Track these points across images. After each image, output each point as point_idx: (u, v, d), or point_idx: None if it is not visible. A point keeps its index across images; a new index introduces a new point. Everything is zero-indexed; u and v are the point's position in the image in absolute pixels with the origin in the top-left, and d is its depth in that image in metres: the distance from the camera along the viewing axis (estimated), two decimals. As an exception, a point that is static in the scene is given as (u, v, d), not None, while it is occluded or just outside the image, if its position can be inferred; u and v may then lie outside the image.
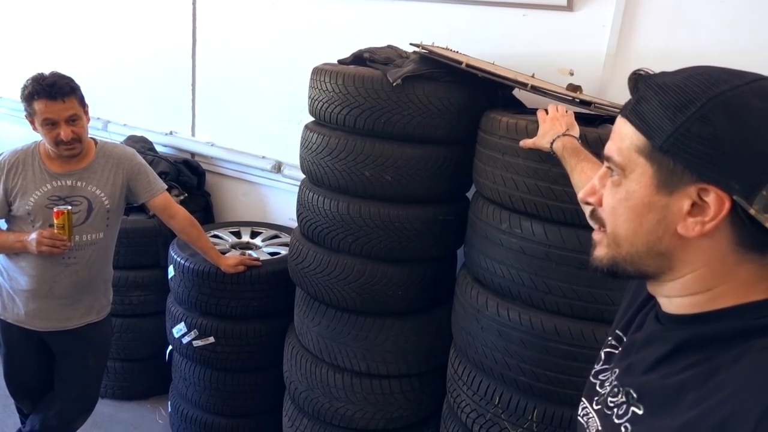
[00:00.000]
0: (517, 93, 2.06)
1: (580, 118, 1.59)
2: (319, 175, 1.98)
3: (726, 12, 1.85)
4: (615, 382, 0.77)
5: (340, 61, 2.05)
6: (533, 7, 2.17)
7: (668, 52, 1.92)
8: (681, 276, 0.69)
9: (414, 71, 1.76)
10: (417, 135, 1.84)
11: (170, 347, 2.67)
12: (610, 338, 0.88)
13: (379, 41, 2.17)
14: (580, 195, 0.76)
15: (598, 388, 0.82)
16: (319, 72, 1.95)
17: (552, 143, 1.44)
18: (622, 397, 0.73)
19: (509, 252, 1.63)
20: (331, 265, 1.99)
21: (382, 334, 2.01)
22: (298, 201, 2.15)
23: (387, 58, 1.97)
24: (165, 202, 2.17)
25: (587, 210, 0.78)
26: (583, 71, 2.10)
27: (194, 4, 3.12)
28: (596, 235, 0.75)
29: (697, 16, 1.90)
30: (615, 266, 0.72)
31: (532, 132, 1.56)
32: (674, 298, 0.71)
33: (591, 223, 0.76)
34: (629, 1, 2.00)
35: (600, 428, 0.75)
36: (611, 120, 1.71)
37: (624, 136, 0.68)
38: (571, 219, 1.54)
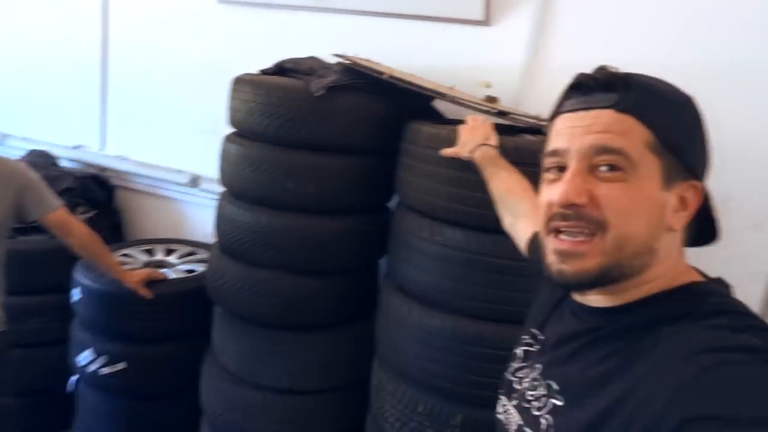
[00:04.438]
0: (438, 104, 2.11)
1: (498, 128, 1.64)
2: (239, 188, 1.93)
3: (637, 27, 1.98)
4: (536, 377, 0.77)
5: (263, 72, 2.02)
6: (452, 21, 2.24)
7: (583, 65, 2.03)
8: (645, 272, 0.68)
9: (337, 81, 1.76)
10: (340, 145, 1.84)
11: (75, 377, 2.47)
12: (525, 336, 0.89)
13: (301, 53, 2.16)
14: (560, 196, 0.66)
15: (515, 385, 0.82)
16: (240, 82, 1.91)
17: (472, 152, 1.46)
18: (542, 390, 0.73)
19: (431, 259, 1.65)
20: (252, 281, 1.93)
21: (305, 348, 1.97)
22: (217, 215, 2.08)
23: (310, 69, 1.96)
24: (61, 220, 2.01)
25: (557, 213, 0.68)
26: (501, 84, 2.19)
27: (105, 4, 2.96)
28: (581, 246, 0.66)
29: (609, 31, 2.03)
30: (604, 275, 0.66)
31: (453, 141, 1.59)
32: (610, 294, 0.70)
33: (560, 227, 0.68)
34: (544, 17, 2.11)
35: (521, 422, 0.75)
36: (528, 130, 1.80)
37: (628, 131, 0.65)
38: (490, 225, 1.57)
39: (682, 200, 0.68)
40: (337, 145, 1.84)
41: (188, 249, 2.67)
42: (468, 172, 1.58)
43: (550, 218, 0.69)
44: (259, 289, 1.91)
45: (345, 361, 2.04)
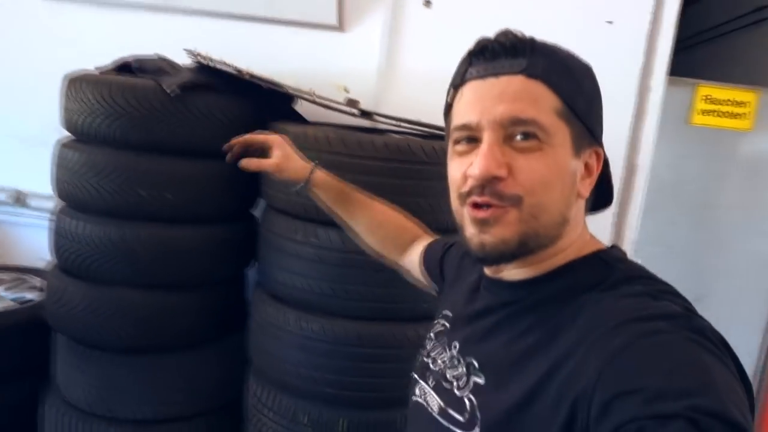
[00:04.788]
0: (299, 108, 2.07)
1: (362, 130, 1.65)
2: (82, 199, 1.71)
3: (484, 33, 2.12)
4: (455, 355, 0.75)
5: (101, 71, 1.82)
6: (305, 25, 2.22)
7: (432, 71, 2.14)
8: (558, 242, 0.68)
9: (193, 81, 1.65)
10: (199, 149, 1.71)
11: None
12: (438, 320, 0.87)
13: (145, 53, 1.99)
14: (480, 169, 0.63)
15: (431, 366, 0.80)
16: (77, 82, 1.70)
17: (306, 172, 1.16)
18: (462, 369, 0.72)
19: (306, 262, 1.60)
20: (102, 302, 1.72)
21: (169, 372, 1.79)
22: (54, 232, 1.82)
23: (158, 69, 1.80)
24: None
25: (475, 186, 0.65)
26: (358, 88, 2.21)
27: None
28: (497, 211, 0.65)
29: (458, 37, 2.13)
30: (523, 245, 0.66)
31: (321, 141, 1.56)
32: (524, 267, 0.70)
33: (478, 201, 0.66)
34: (395, 23, 2.17)
35: (442, 404, 0.72)
36: (394, 132, 1.83)
37: (539, 98, 0.64)
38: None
39: (587, 167, 0.69)
40: (195, 149, 1.71)
41: (15, 276, 2.31)
42: (341, 170, 1.57)
43: (468, 192, 0.66)
44: (111, 310, 1.70)
45: (215, 382, 1.90)
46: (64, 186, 1.75)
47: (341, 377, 1.60)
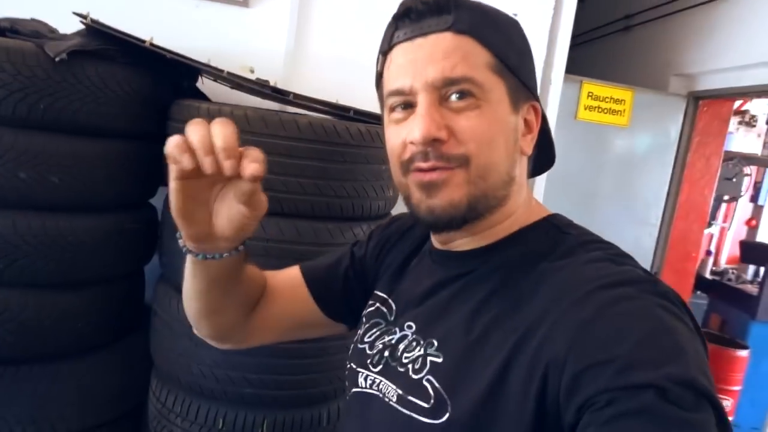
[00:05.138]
0: (202, 86, 1.90)
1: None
2: (-62, 183, 1.42)
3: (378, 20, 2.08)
4: (412, 337, 0.69)
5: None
6: (209, -1, 2.04)
7: (342, 53, 2.07)
8: (507, 203, 0.67)
9: (84, 46, 1.43)
10: (91, 126, 1.50)
11: None
12: (371, 302, 0.81)
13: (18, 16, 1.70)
14: (420, 133, 0.61)
15: (368, 350, 0.74)
16: (-72, 40, 1.40)
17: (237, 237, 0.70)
18: (419, 350, 0.66)
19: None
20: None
21: (58, 383, 1.55)
22: None
23: (35, 32, 1.55)
24: None
25: (417, 152, 0.62)
26: (264, 68, 2.08)
27: None
28: (444, 174, 0.62)
29: (359, 22, 2.09)
30: (473, 208, 0.63)
31: (239, 120, 1.43)
32: (475, 235, 0.68)
33: (423, 167, 0.62)
34: (303, 3, 2.07)
35: (400, 392, 0.66)
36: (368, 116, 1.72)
37: (470, 54, 0.62)
38: (289, 209, 1.47)
39: (527, 123, 0.68)
40: (87, 126, 1.49)
41: None
42: (272, 154, 1.45)
43: (410, 159, 0.63)
44: (-19, 315, 1.44)
45: (113, 390, 1.68)
46: None
47: (262, 375, 1.48)
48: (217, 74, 1.59)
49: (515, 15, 2.08)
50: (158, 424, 1.59)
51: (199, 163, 0.55)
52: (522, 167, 0.68)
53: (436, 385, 0.62)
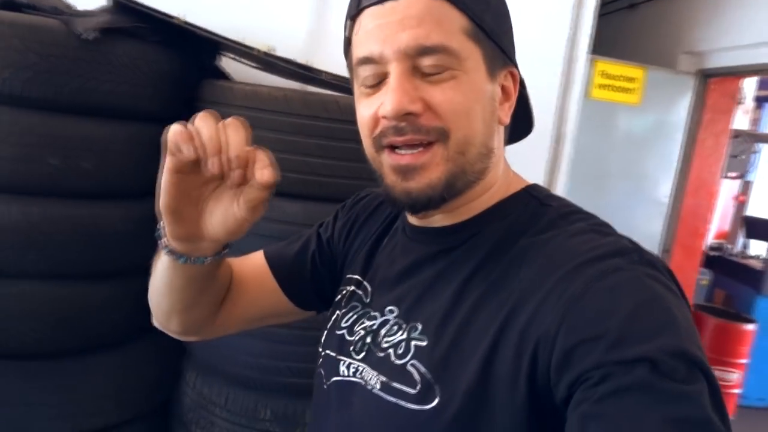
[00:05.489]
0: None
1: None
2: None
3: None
4: (394, 320, 0.65)
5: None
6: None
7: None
8: (486, 176, 0.63)
9: (113, 23, 1.35)
10: (122, 108, 1.43)
11: None
12: (343, 287, 0.76)
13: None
14: (392, 107, 0.56)
15: (348, 336, 0.69)
16: (-53, 17, 1.31)
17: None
18: (402, 334, 0.62)
19: (266, 240, 1.41)
20: (4, 299, 1.38)
21: (94, 376, 1.50)
22: None
23: (54, 8, 1.47)
24: None
25: (390, 126, 0.58)
26: (285, 47, 2.01)
27: None
28: (423, 156, 0.58)
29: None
30: (452, 185, 0.59)
31: (279, 101, 1.37)
32: (453, 211, 0.64)
33: (398, 142, 0.58)
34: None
35: (384, 378, 0.62)
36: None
37: (444, 19, 0.57)
38: (330, 193, 1.43)
39: (504, 90, 0.63)
40: (118, 108, 1.42)
41: None
42: (302, 135, 1.39)
43: (382, 134, 0.58)
44: (16, 309, 1.37)
45: (147, 382, 1.63)
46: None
47: (308, 365, 1.44)
48: (249, 52, 1.52)
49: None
50: (195, 414, 1.55)
51: (203, 161, 0.52)
52: (500, 137, 0.64)
53: (422, 369, 0.58)
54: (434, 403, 0.56)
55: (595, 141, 3.05)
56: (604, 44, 3.70)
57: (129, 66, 1.40)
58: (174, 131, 0.52)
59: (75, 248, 1.40)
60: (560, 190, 2.29)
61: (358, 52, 0.60)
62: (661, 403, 0.44)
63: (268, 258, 0.81)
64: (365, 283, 0.72)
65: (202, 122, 0.53)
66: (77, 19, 1.34)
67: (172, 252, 0.61)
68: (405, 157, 0.58)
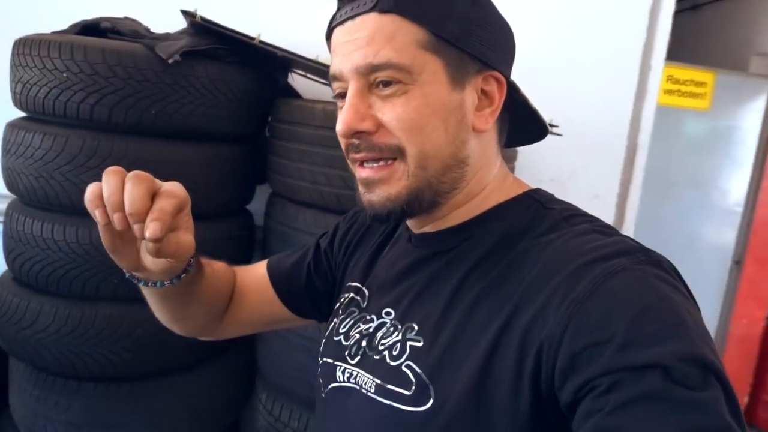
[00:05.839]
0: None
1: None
2: (44, 193, 1.36)
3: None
4: (390, 323, 0.64)
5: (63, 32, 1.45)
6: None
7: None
8: (467, 184, 0.63)
9: (194, 45, 1.35)
10: (200, 130, 1.42)
11: None
12: (343, 295, 0.76)
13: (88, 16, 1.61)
14: (341, 126, 0.58)
15: (344, 342, 0.69)
16: (34, 45, 1.33)
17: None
18: (397, 336, 0.62)
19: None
20: (80, 321, 1.39)
21: (169, 396, 1.50)
22: (4, 234, 1.45)
23: (135, 32, 1.48)
24: None
25: (348, 144, 0.60)
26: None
27: None
28: (383, 171, 0.59)
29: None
30: (416, 198, 0.59)
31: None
32: (446, 216, 0.64)
33: (357, 159, 0.60)
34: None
35: (378, 381, 0.61)
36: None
37: (395, 35, 0.57)
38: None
39: (486, 94, 0.62)
40: (196, 130, 1.41)
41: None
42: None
43: (346, 150, 0.61)
44: (98, 332, 1.38)
45: (220, 401, 1.62)
46: (16, 177, 1.39)
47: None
48: (325, 70, 1.50)
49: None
50: (269, 435, 1.53)
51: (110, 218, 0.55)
52: (481, 144, 0.63)
53: (417, 370, 0.57)
54: (429, 405, 0.55)
55: (661, 148, 2.93)
56: (668, 48, 3.57)
57: (208, 87, 1.39)
58: (87, 197, 0.56)
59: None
60: (634, 201, 2.19)
61: (331, 69, 0.61)
62: (677, 413, 0.42)
63: (268, 267, 0.85)
64: (363, 289, 0.73)
65: (105, 182, 0.55)
66: (159, 43, 1.34)
67: (132, 278, 0.67)
68: (366, 170, 0.60)
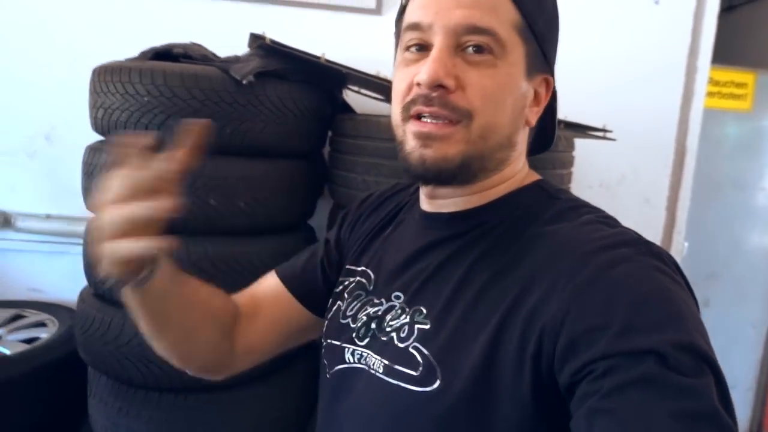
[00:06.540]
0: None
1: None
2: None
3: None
4: (399, 306, 0.66)
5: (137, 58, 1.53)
6: (341, 9, 2.01)
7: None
8: (506, 168, 0.66)
9: (266, 67, 1.41)
10: (271, 146, 1.48)
11: None
12: (343, 278, 0.77)
13: (158, 42, 1.69)
14: (428, 75, 0.58)
15: (352, 324, 0.70)
16: (115, 72, 1.41)
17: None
18: (405, 318, 0.63)
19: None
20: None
21: (242, 407, 1.54)
22: (85, 250, 1.52)
23: (204, 56, 1.55)
24: None
25: (421, 94, 0.59)
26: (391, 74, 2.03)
27: None
28: (445, 129, 0.59)
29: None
30: (466, 165, 0.61)
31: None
32: (465, 196, 0.66)
33: (424, 111, 0.59)
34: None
35: (387, 362, 0.62)
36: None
37: (498, 8, 0.59)
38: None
39: (536, 95, 0.65)
40: (268, 147, 1.47)
41: (10, 312, 1.94)
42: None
43: (412, 101, 0.60)
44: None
45: (290, 410, 1.66)
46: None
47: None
48: (386, 83, 1.55)
49: (657, 3, 1.94)
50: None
51: None
52: (524, 137, 0.67)
53: (425, 352, 0.59)
54: (436, 385, 0.56)
55: (706, 151, 2.92)
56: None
57: (278, 105, 1.45)
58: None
59: (231, 283, 1.45)
60: (684, 204, 2.19)
61: (409, 17, 0.62)
62: (669, 398, 0.43)
63: (280, 274, 0.83)
64: (369, 271, 0.74)
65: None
66: (233, 66, 1.41)
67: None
68: (428, 125, 0.59)
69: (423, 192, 0.71)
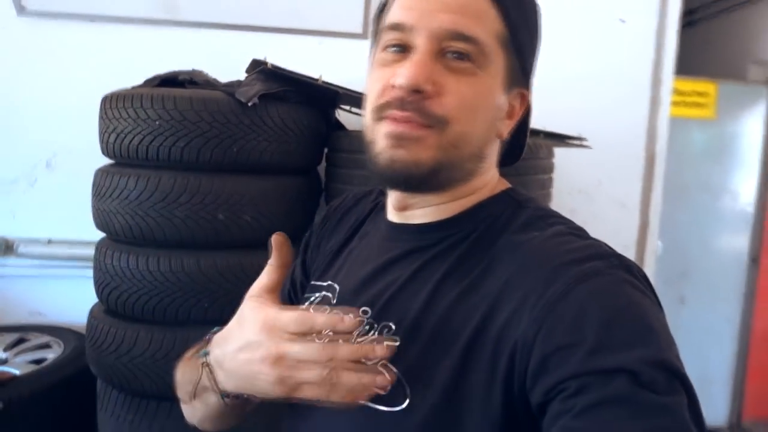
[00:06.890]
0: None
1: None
2: (139, 230, 1.49)
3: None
4: (366, 321, 0.64)
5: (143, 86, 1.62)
6: (329, 34, 2.13)
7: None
8: (474, 180, 0.64)
9: (268, 89, 1.51)
10: (274, 163, 1.57)
11: None
12: (309, 295, 0.75)
13: (157, 71, 1.77)
14: (407, 79, 0.56)
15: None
16: (127, 98, 1.49)
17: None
18: (373, 335, 0.62)
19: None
20: (174, 343, 1.50)
21: (256, 416, 1.61)
22: (97, 269, 1.59)
23: (207, 81, 1.65)
24: None
25: (397, 98, 0.57)
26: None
27: None
28: (418, 131, 0.57)
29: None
30: (436, 173, 0.59)
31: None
32: (439, 205, 0.65)
33: (396, 117, 0.58)
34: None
35: None
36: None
37: (483, 16, 0.58)
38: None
39: (511, 108, 0.65)
40: (271, 164, 1.56)
41: (13, 337, 1.98)
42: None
43: (387, 104, 0.59)
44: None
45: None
46: (111, 216, 1.51)
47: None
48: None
49: (623, 21, 2.10)
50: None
51: None
52: (494, 149, 0.66)
53: (393, 370, 0.56)
54: (404, 405, 0.55)
55: (674, 157, 3.09)
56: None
57: (280, 126, 1.55)
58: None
59: (240, 295, 1.53)
60: (656, 208, 2.34)
61: (391, 17, 0.60)
62: (642, 416, 0.43)
63: None
64: (335, 285, 0.72)
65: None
66: (237, 89, 1.51)
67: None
68: (401, 125, 0.57)
69: (391, 203, 0.69)
